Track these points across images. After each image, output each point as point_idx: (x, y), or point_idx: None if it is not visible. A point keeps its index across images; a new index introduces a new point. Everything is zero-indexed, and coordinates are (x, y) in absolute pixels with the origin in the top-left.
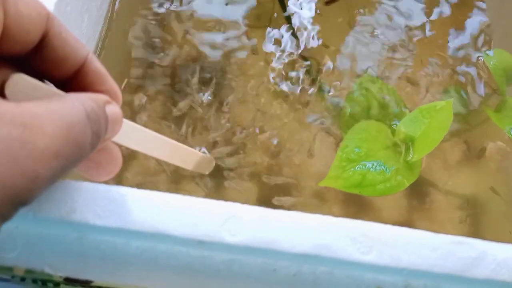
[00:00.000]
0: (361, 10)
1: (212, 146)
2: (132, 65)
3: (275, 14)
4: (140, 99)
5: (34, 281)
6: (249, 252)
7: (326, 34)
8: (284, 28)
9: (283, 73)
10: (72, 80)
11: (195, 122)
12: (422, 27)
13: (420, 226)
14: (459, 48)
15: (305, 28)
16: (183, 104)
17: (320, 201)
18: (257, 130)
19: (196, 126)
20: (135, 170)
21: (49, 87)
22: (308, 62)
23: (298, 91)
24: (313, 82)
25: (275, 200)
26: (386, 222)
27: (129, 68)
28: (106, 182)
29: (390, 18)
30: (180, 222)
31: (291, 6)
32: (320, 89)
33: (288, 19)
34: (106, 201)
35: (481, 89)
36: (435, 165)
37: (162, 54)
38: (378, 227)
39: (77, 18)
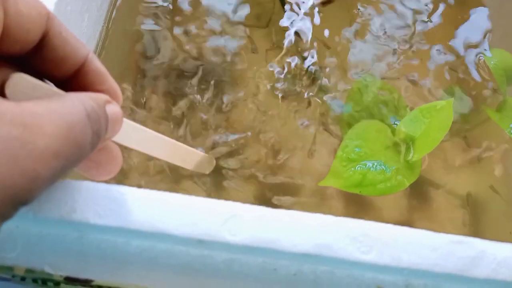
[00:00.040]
0: (362, 10)
1: (212, 145)
2: (132, 65)
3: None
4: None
5: (35, 280)
6: (249, 251)
7: (328, 34)
8: (284, 28)
9: (283, 73)
10: (72, 79)
11: (194, 121)
12: (422, 26)
13: (420, 225)
14: (459, 48)
15: (306, 28)
16: (182, 104)
17: (320, 201)
18: (257, 130)
19: (196, 126)
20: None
21: (49, 86)
22: (309, 62)
23: (298, 91)
24: (313, 82)
25: (274, 200)
26: (386, 222)
27: (130, 67)
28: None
29: (390, 17)
30: (180, 221)
31: (292, 6)
32: (320, 89)
33: (289, 19)
34: (107, 201)
35: (482, 89)
36: (435, 165)
37: (162, 53)
38: (379, 227)
39: (77, 18)
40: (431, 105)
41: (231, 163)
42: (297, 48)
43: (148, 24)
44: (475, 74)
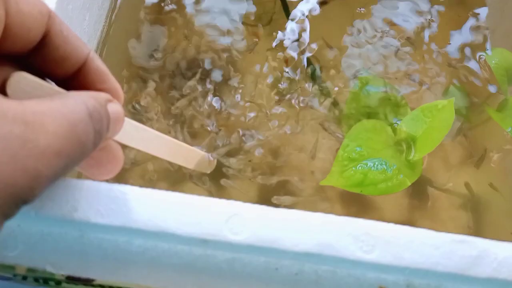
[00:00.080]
0: (362, 9)
1: (212, 145)
2: (133, 64)
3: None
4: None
5: (36, 279)
6: (251, 250)
7: (327, 34)
8: (285, 27)
9: (284, 72)
10: (73, 78)
11: (194, 121)
12: (423, 25)
13: (421, 225)
14: (460, 47)
15: (307, 28)
16: (183, 103)
17: (321, 200)
18: (257, 129)
19: (196, 125)
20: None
21: (51, 85)
22: (310, 62)
23: (300, 90)
24: (314, 81)
25: (274, 199)
26: (387, 221)
27: (130, 66)
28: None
29: (391, 17)
30: (183, 221)
31: (292, 6)
32: (322, 89)
33: (290, 19)
34: (108, 200)
35: (483, 89)
36: (436, 164)
37: (162, 53)
38: (381, 226)
39: (78, 17)
40: (432, 105)
41: (231, 162)
42: (298, 48)
43: (149, 23)
44: (476, 74)
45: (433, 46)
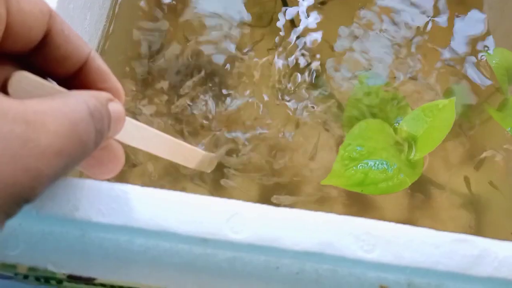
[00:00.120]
0: (363, 9)
1: (212, 145)
2: (134, 63)
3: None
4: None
5: (37, 278)
6: (252, 249)
7: (328, 33)
8: (286, 27)
9: (285, 72)
10: (74, 78)
11: (195, 121)
12: (424, 25)
13: (422, 224)
14: (461, 47)
15: (307, 27)
16: (183, 103)
17: (321, 200)
18: (258, 129)
19: (196, 125)
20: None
21: (52, 84)
22: (310, 61)
23: (300, 90)
24: (315, 81)
25: (274, 198)
26: (388, 221)
27: (131, 65)
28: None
29: (392, 16)
30: (184, 220)
31: (292, 5)
32: (322, 88)
33: (290, 19)
34: (109, 199)
35: (483, 88)
36: (437, 164)
37: (163, 52)
38: (381, 225)
39: (79, 16)
40: (433, 104)
41: (231, 162)
42: (299, 47)
43: (150, 23)
44: (477, 73)
45: (434, 45)
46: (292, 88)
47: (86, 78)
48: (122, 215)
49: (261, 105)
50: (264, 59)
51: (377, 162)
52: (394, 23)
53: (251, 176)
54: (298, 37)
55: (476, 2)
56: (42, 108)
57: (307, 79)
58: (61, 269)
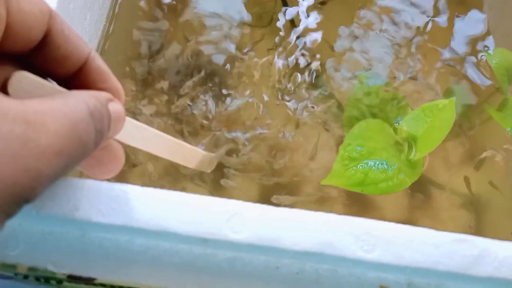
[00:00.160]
0: (363, 9)
1: (212, 145)
2: (134, 63)
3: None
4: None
5: (37, 278)
6: (252, 249)
7: (328, 33)
8: (286, 27)
9: (285, 72)
10: (74, 78)
11: (195, 121)
12: (424, 25)
13: (422, 224)
14: (461, 47)
15: (307, 27)
16: (183, 103)
17: (321, 200)
18: (258, 129)
19: (196, 125)
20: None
21: (52, 84)
22: (310, 61)
23: (300, 90)
24: (315, 81)
25: (274, 198)
26: (388, 221)
27: (131, 65)
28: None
29: (392, 16)
30: (184, 220)
31: (293, 5)
32: (322, 88)
33: (290, 19)
34: (109, 199)
35: (483, 88)
36: (437, 164)
37: (163, 52)
38: (381, 225)
39: (79, 16)
40: (433, 104)
41: (231, 162)
42: (299, 47)
43: (150, 23)
44: (477, 73)
45: (434, 45)
46: (292, 88)
47: (86, 78)
48: (122, 215)
49: (261, 105)
50: (264, 59)
51: (377, 162)
52: (394, 23)
53: (251, 176)
54: (298, 37)
55: (476, 2)
56: (42, 108)
57: (307, 79)
58: (61, 269)
